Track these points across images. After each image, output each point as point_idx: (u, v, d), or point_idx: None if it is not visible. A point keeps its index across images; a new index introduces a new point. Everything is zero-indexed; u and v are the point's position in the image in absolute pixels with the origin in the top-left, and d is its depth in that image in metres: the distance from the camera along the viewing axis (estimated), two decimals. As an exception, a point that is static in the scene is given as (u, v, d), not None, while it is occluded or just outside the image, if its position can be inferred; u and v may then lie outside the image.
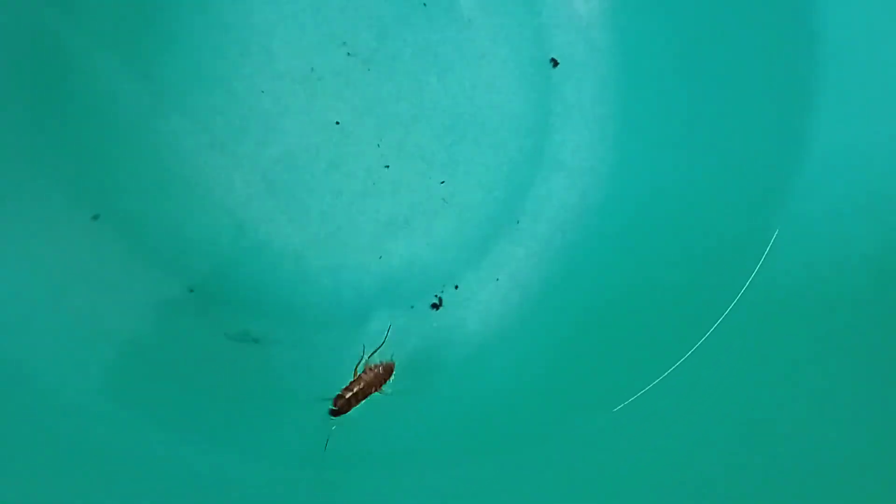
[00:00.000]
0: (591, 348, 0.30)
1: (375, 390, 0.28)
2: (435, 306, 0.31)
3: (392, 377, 0.28)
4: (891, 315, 0.24)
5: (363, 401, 0.28)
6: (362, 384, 0.27)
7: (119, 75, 0.28)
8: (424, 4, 0.31)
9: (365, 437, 0.28)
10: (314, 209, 0.30)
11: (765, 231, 0.26)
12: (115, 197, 0.29)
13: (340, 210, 0.30)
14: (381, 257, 0.31)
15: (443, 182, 0.32)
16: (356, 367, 0.28)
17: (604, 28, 0.32)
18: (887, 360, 0.23)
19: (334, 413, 0.27)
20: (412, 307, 0.31)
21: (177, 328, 0.28)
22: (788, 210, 0.26)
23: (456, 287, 0.32)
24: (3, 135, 0.26)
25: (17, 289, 0.24)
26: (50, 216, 0.27)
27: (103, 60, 0.28)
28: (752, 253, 0.26)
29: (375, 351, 0.29)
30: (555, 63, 0.33)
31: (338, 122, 0.31)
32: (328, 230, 0.30)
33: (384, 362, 0.28)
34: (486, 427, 0.29)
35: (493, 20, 0.32)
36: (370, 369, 0.28)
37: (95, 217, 0.28)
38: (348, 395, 0.27)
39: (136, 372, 0.25)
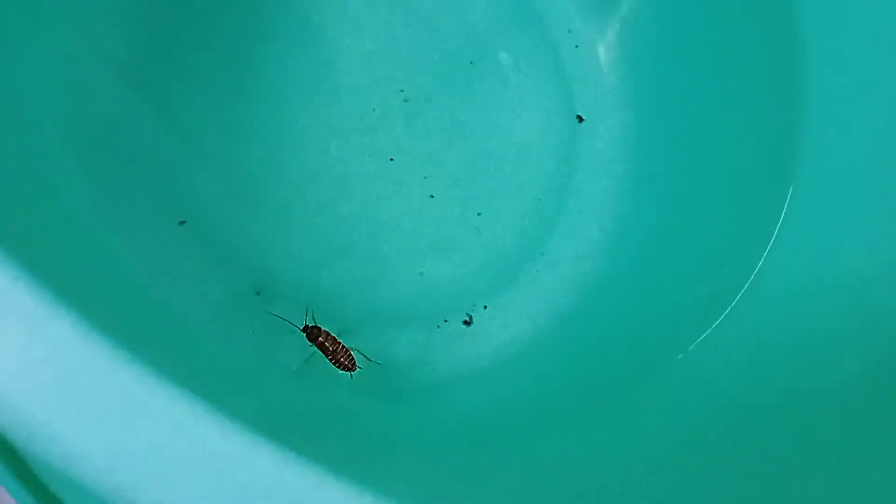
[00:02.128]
0: (606, 366, 0.34)
1: (330, 359, 0.31)
2: (466, 323, 0.36)
3: (343, 366, 0.32)
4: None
5: (317, 350, 0.31)
6: (334, 345, 0.31)
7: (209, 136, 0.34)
8: (471, 63, 0.37)
9: (393, 425, 0.32)
10: (367, 229, 0.35)
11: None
12: (199, 208, 0.33)
13: (390, 231, 0.35)
14: (421, 274, 0.35)
15: (479, 213, 0.36)
16: (349, 346, 0.32)
17: (625, 91, 0.37)
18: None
19: (304, 329, 0.31)
20: (445, 321, 0.35)
21: (243, 323, 0.32)
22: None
23: (485, 307, 0.36)
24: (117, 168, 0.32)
25: (115, 273, 0.29)
26: (145, 220, 0.32)
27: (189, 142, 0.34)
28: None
29: (365, 357, 0.32)
30: (580, 119, 0.38)
31: (392, 159, 0.36)
32: (378, 248, 0.35)
33: (353, 359, 0.32)
34: (501, 430, 0.32)
35: (529, 78, 0.37)
36: (347, 349, 0.31)
37: (182, 222, 0.33)
38: (323, 336, 0.31)
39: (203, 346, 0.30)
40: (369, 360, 0.33)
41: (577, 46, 0.38)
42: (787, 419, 0.26)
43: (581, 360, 0.34)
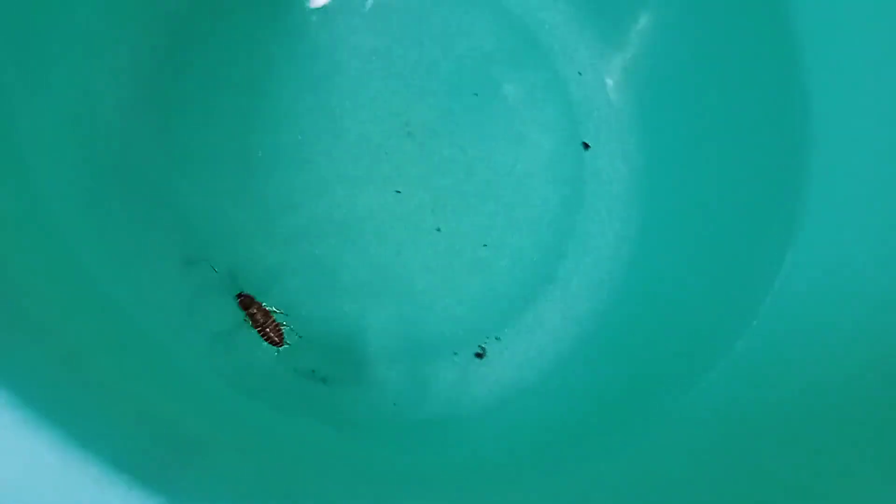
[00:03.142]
0: (617, 395, 0.33)
1: (259, 330, 0.32)
2: (478, 355, 0.35)
3: (271, 339, 0.32)
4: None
5: (246, 318, 0.32)
6: (265, 318, 0.32)
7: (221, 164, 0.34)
8: (476, 94, 0.37)
9: (411, 460, 0.31)
10: (375, 264, 0.35)
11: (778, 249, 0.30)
12: (212, 249, 0.33)
13: (398, 265, 0.35)
14: (431, 307, 0.35)
15: (486, 245, 0.36)
16: (279, 324, 0.32)
17: (630, 117, 0.37)
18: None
19: (238, 296, 0.32)
20: (456, 354, 0.35)
21: (256, 361, 0.32)
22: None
23: (497, 338, 0.35)
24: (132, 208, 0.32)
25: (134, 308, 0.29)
26: (147, 257, 0.32)
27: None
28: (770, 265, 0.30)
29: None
30: (586, 146, 0.38)
31: (398, 191, 0.36)
32: (387, 283, 0.35)
33: (282, 335, 0.32)
34: (513, 464, 0.32)
35: (533, 108, 0.37)
36: (278, 324, 0.32)
37: (190, 262, 0.33)
38: (255, 307, 0.31)
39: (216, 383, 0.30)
40: (300, 336, 0.33)
41: (580, 73, 0.38)
42: (796, 451, 0.26)
43: (593, 391, 0.33)
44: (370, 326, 0.34)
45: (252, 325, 0.32)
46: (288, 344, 0.32)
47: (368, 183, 0.35)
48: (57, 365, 0.22)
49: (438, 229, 0.36)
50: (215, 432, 0.26)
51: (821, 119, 0.31)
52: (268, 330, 0.32)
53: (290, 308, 0.33)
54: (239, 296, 0.32)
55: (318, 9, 0.36)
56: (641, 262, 0.36)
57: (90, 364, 0.24)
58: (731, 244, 0.33)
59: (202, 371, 0.30)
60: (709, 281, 0.34)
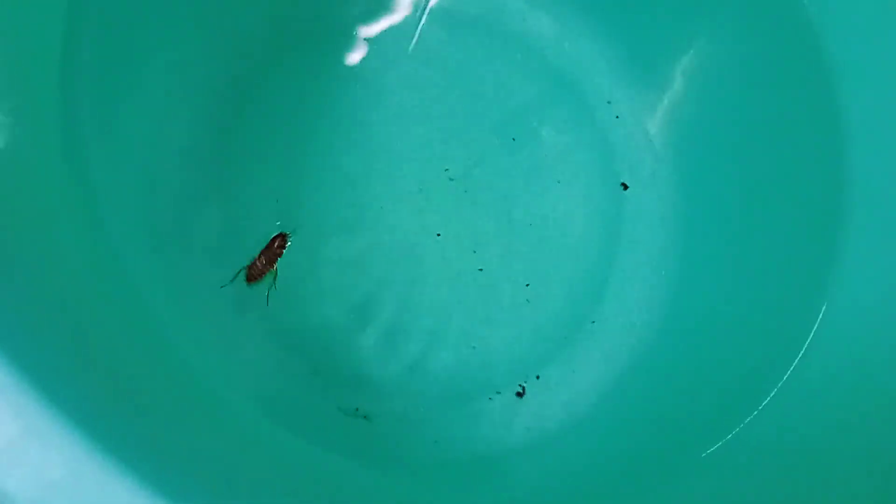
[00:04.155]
0: (657, 436, 0.33)
1: (258, 257, 0.34)
2: (518, 394, 0.36)
3: (250, 269, 0.34)
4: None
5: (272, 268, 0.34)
6: (267, 258, 0.34)
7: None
8: (514, 139, 0.38)
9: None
10: (418, 305, 0.36)
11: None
12: (262, 292, 0.35)
13: (440, 305, 0.36)
14: (474, 347, 0.36)
15: (527, 284, 0.37)
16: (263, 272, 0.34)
17: (668, 158, 0.38)
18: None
19: (281, 233, 0.35)
20: (498, 393, 0.35)
21: (302, 399, 0.33)
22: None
23: (537, 377, 0.36)
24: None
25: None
26: (208, 305, 0.34)
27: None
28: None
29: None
30: (625, 186, 0.38)
31: (439, 234, 0.37)
32: (430, 322, 0.36)
33: (255, 276, 0.34)
34: (553, 501, 0.32)
35: (571, 150, 0.38)
36: (265, 269, 0.34)
37: (243, 309, 0.35)
38: (276, 248, 0.34)
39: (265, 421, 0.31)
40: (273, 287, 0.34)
41: (617, 117, 0.38)
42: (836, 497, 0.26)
43: (633, 431, 0.34)
44: (412, 365, 0.35)
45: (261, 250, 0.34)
46: (248, 286, 0.34)
47: (410, 226, 0.36)
48: (113, 398, 0.24)
49: (480, 270, 0.37)
50: (259, 468, 0.28)
51: (860, 164, 0.31)
52: (259, 265, 0.34)
53: (338, 353, 0.34)
54: (281, 234, 0.35)
55: (361, 59, 0.38)
56: (681, 303, 0.36)
57: (144, 399, 0.26)
58: (771, 285, 0.33)
59: (248, 408, 0.31)
60: (749, 322, 0.34)
